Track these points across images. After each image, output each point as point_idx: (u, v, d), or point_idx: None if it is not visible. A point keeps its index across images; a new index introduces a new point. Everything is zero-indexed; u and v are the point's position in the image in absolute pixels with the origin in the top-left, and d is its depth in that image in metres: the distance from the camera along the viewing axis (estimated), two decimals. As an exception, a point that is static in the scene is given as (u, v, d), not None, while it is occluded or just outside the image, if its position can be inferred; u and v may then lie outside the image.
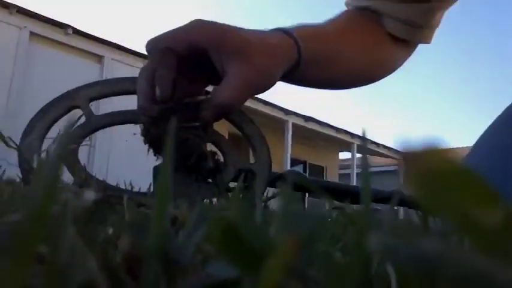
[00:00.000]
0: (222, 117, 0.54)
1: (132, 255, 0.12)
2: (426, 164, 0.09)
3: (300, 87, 0.69)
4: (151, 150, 0.52)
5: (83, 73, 5.67)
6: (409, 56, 0.76)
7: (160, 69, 0.47)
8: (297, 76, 0.60)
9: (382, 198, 0.88)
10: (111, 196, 0.44)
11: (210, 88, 0.57)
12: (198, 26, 0.49)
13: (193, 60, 0.49)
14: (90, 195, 0.13)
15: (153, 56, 0.49)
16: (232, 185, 0.67)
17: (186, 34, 0.49)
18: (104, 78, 5.77)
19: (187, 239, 0.12)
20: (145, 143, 0.51)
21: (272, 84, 0.54)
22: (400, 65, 0.77)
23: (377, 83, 0.76)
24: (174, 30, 0.50)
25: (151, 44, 0.49)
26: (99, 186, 0.40)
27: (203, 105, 0.49)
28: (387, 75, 0.76)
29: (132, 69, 5.80)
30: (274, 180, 0.77)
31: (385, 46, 0.71)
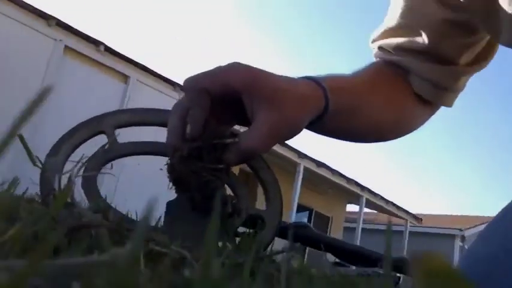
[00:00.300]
0: (245, 162, 0.55)
1: None
2: (429, 267, 0.12)
3: (319, 135, 0.70)
4: (172, 185, 0.53)
5: (108, 90, 5.80)
6: (430, 116, 0.77)
7: (194, 109, 0.48)
8: (320, 125, 0.61)
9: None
10: (127, 229, 0.45)
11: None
12: (234, 69, 0.51)
13: (225, 101, 0.51)
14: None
15: (189, 95, 0.51)
16: (240, 229, 0.67)
17: (222, 76, 0.50)
18: (127, 97, 5.91)
19: None
20: (170, 180, 0.51)
21: (298, 132, 0.55)
22: (420, 125, 0.77)
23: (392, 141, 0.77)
24: (211, 71, 0.51)
25: (189, 83, 0.51)
26: (115, 217, 0.41)
27: (229, 147, 0.50)
28: (407, 134, 0.77)
29: (154, 92, 5.91)
30: (282, 230, 0.76)
31: (410, 104, 0.72)
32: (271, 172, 0.77)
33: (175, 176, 0.50)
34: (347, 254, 0.81)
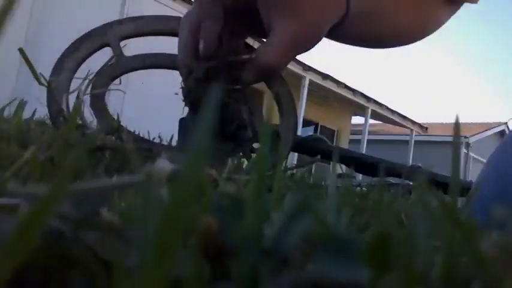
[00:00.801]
0: (266, 78, 0.52)
1: (214, 241, 0.10)
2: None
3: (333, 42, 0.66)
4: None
5: (106, 3, 5.55)
6: (450, 17, 0.73)
7: (206, 22, 0.44)
8: (339, 31, 0.57)
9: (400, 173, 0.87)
10: (141, 149, 0.43)
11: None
12: None
13: (238, 11, 0.47)
14: (165, 163, 0.12)
15: (199, 5, 0.46)
16: (256, 145, 0.66)
17: None
18: (126, 6, 5.66)
19: (285, 230, 0.10)
20: (185, 105, 0.49)
21: (319, 40, 0.51)
22: (442, 25, 0.73)
23: (401, 48, 0.73)
24: None
25: None
26: (129, 138, 0.39)
27: (247, 65, 0.47)
28: (426, 36, 0.73)
29: (154, 3, 5.64)
30: (298, 144, 0.75)
31: (433, 4, 0.68)
32: (286, 84, 0.74)
33: (191, 99, 0.47)
34: (363, 165, 0.80)
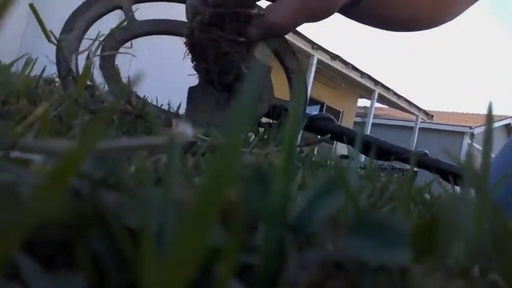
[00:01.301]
0: (270, 37, 0.51)
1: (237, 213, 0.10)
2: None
3: (353, 21, 0.65)
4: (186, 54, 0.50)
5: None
6: (472, 4, 0.71)
7: None
8: (358, 11, 0.56)
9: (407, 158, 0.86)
10: (149, 114, 0.42)
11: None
12: None
13: None
14: (188, 129, 0.11)
15: None
16: (264, 120, 0.65)
17: None
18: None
19: (314, 206, 0.10)
20: (186, 46, 0.48)
21: (332, 12, 0.50)
22: (462, 12, 0.71)
23: (414, 34, 0.72)
24: None
25: None
26: (138, 103, 0.38)
27: (253, 20, 0.46)
28: (444, 22, 0.71)
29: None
30: (306, 122, 0.74)
31: None
32: (297, 59, 0.73)
33: (193, 41, 0.47)
34: (371, 148, 0.80)
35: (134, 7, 0.56)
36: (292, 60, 0.68)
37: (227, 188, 0.06)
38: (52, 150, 0.10)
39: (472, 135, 11.03)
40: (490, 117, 0.16)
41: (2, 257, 0.06)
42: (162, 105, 0.61)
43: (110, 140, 0.10)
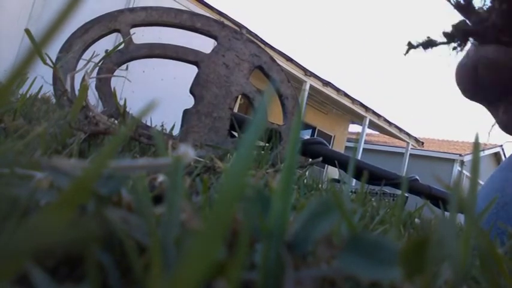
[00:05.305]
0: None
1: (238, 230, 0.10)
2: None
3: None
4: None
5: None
6: None
7: None
8: None
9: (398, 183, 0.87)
10: (142, 134, 0.43)
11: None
12: None
13: None
14: (189, 150, 0.12)
15: None
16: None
17: None
18: None
19: (311, 226, 0.10)
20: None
21: None
22: None
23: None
24: None
25: None
26: (132, 123, 0.39)
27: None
28: None
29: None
30: (300, 146, 0.75)
31: None
32: (291, 86, 0.74)
33: None
34: (361, 172, 0.80)
35: (131, 30, 0.57)
36: (286, 86, 0.69)
37: (234, 210, 0.07)
38: (67, 170, 0.10)
39: (462, 163, 11.13)
40: (477, 146, 0.16)
41: (16, 268, 0.06)
42: (156, 125, 0.62)
43: (118, 160, 0.11)
